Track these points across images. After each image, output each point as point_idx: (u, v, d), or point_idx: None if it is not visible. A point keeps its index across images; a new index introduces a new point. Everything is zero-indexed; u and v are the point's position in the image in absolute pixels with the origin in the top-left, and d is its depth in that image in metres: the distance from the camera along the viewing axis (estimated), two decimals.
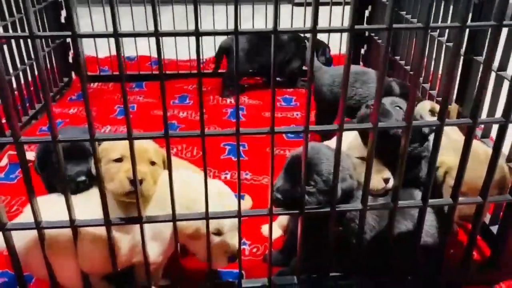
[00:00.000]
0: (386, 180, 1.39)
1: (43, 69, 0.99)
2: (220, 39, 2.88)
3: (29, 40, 2.41)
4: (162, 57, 1.03)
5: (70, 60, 3.00)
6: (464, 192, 1.29)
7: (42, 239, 1.15)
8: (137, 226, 1.18)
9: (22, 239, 1.20)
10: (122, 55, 2.64)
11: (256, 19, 3.03)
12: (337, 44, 3.05)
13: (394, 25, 0.99)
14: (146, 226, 1.19)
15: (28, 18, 0.90)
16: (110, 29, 0.93)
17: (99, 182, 1.10)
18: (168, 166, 1.11)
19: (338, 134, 1.09)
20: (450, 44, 1.98)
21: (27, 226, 1.15)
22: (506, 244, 1.42)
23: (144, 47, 2.98)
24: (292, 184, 1.21)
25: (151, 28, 0.97)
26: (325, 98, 2.16)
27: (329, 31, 1.10)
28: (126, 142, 1.06)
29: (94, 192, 1.25)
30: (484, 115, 1.68)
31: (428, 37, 1.17)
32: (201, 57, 1.01)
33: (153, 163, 1.29)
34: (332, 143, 1.33)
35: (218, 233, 1.27)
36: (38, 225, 1.12)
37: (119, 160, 1.25)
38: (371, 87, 2.04)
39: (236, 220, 1.20)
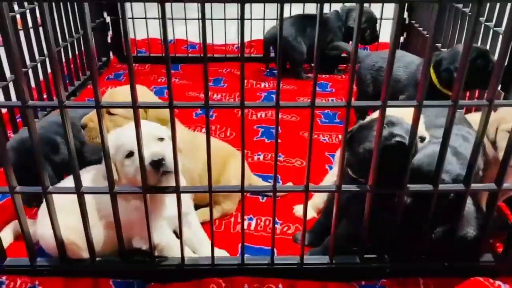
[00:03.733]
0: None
1: (91, 39, 1.00)
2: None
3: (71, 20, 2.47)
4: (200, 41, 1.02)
5: (109, 40, 3.05)
6: None
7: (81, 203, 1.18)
8: None
9: None
10: (160, 38, 2.62)
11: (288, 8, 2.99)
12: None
13: None
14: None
15: None
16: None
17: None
18: (207, 137, 1.12)
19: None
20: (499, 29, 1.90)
21: (67, 191, 1.18)
22: None
23: (181, 31, 3.03)
24: None
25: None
26: (365, 81, 2.14)
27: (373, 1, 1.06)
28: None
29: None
30: None
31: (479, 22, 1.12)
32: (237, 41, 1.00)
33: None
34: None
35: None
36: (78, 190, 1.15)
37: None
38: (408, 70, 2.02)
39: None
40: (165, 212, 1.27)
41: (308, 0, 1.05)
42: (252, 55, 3.15)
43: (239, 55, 1.03)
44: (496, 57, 1.88)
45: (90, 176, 1.27)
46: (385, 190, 1.20)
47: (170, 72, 1.06)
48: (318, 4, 0.96)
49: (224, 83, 2.80)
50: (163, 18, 0.97)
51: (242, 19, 0.99)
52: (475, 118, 1.45)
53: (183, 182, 1.25)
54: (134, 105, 1.06)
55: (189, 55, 3.10)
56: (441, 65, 1.81)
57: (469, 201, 1.32)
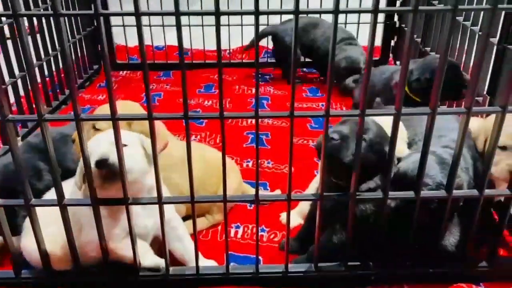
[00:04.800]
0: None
1: (68, 54, 1.01)
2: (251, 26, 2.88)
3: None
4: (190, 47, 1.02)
5: (99, 48, 3.06)
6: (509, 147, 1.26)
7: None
8: None
9: None
10: (151, 44, 2.63)
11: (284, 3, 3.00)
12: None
13: (420, 7, 0.96)
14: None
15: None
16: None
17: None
18: (188, 149, 1.12)
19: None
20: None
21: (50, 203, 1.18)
22: None
23: (173, 38, 3.02)
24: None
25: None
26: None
27: (350, 11, 1.08)
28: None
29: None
30: None
31: (456, 23, 1.12)
32: (228, 47, 1.00)
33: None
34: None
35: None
36: (60, 203, 1.16)
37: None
38: (384, 76, 2.12)
39: None
40: (124, 222, 1.21)
41: (284, 12, 1.06)
42: (243, 61, 3.15)
43: (228, 62, 1.04)
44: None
45: (70, 188, 1.27)
46: (367, 196, 1.21)
47: (148, 83, 1.06)
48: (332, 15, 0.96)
49: (215, 89, 2.80)
50: (138, 29, 0.98)
51: (218, 30, 0.99)
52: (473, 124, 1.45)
53: (165, 193, 1.26)
54: (113, 117, 1.07)
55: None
56: (412, 75, 1.85)
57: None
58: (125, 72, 3.08)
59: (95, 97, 2.70)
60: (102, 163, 1.13)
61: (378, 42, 3.14)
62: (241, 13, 1.11)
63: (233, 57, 3.17)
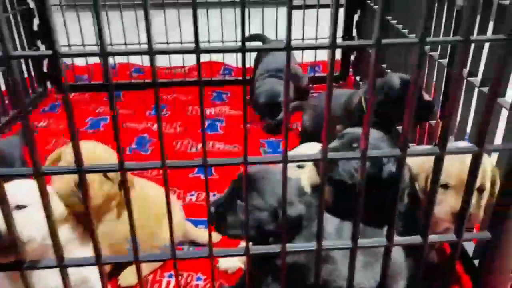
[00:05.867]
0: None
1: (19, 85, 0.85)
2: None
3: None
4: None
5: (45, 69, 2.88)
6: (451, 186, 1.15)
7: None
8: None
9: None
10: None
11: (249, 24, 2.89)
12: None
13: (383, 41, 0.83)
14: None
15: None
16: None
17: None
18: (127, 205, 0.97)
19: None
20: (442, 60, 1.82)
21: None
22: (488, 280, 1.27)
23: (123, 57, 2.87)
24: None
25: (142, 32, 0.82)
26: None
27: (305, 48, 0.94)
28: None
29: None
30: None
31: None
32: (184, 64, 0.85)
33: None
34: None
35: None
36: None
37: None
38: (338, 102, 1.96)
39: None
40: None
41: (227, 51, 0.92)
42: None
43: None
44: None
45: None
46: (299, 249, 1.09)
47: (118, 131, 0.91)
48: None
49: (168, 111, 2.66)
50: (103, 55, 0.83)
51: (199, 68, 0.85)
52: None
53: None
54: (80, 170, 0.89)
55: (132, 81, 2.95)
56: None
57: (400, 252, 1.22)
58: (72, 94, 2.91)
59: (36, 123, 2.52)
60: None
61: (337, 56, 3.05)
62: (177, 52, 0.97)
63: (190, 75, 3.04)
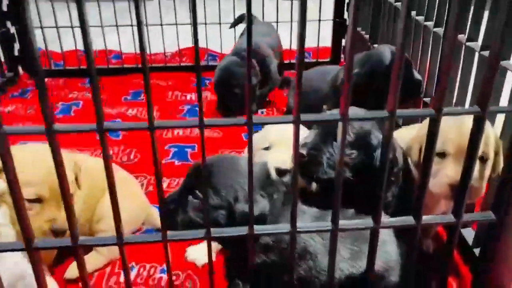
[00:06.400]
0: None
1: None
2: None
3: None
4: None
5: (16, 53, 2.70)
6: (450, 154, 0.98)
7: None
8: None
9: None
10: (75, 48, 2.26)
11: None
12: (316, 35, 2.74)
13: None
14: None
15: None
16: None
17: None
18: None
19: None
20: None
21: None
22: (491, 270, 1.11)
23: (113, 41, 2.72)
24: None
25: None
26: None
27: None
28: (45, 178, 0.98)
29: None
30: None
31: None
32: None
33: None
34: None
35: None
36: None
37: (36, 200, 1.04)
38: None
39: None
40: None
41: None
42: (181, 64, 2.86)
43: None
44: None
45: None
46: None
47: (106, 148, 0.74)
48: None
49: (143, 96, 2.48)
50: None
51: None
52: (402, 134, 1.20)
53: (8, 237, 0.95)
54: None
55: (110, 66, 2.78)
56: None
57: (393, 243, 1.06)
58: (46, 79, 2.73)
59: (2, 108, 2.35)
60: None
61: (328, 42, 2.89)
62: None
63: (171, 61, 2.88)
